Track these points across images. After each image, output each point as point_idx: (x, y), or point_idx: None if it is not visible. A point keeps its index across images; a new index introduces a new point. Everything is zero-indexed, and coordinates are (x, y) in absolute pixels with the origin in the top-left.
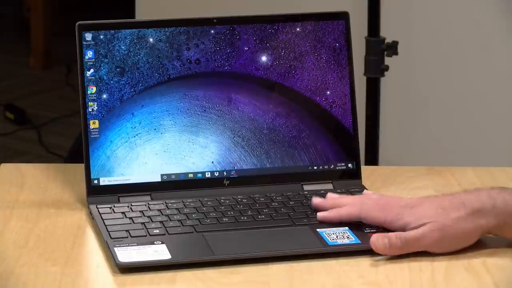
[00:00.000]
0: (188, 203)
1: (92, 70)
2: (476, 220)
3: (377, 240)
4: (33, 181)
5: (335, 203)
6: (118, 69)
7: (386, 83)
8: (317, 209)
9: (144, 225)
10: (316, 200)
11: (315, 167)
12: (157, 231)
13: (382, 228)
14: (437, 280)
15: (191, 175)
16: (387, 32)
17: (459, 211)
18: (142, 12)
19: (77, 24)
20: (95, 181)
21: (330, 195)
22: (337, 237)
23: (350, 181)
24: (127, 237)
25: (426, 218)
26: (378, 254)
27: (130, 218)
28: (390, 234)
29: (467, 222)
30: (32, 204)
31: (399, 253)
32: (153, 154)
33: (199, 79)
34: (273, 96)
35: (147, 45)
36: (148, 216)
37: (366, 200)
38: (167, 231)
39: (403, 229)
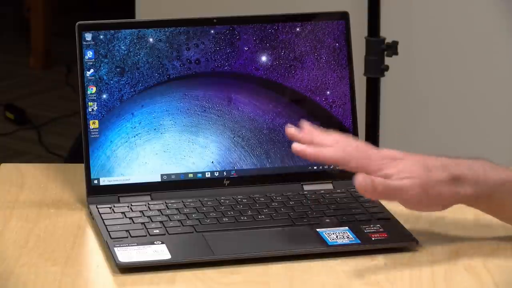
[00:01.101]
0: (188, 203)
1: (92, 70)
2: (455, 186)
3: (363, 179)
4: (33, 181)
5: (314, 140)
6: (118, 69)
7: (386, 83)
8: (291, 139)
9: (144, 225)
10: (291, 130)
11: (315, 167)
12: (157, 231)
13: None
14: (437, 280)
15: (191, 175)
16: (387, 32)
17: (441, 174)
18: (142, 12)
19: (77, 24)
20: (95, 181)
21: (307, 127)
22: (337, 237)
23: (350, 181)
24: (127, 237)
25: (409, 172)
26: (378, 254)
27: (130, 218)
28: (375, 177)
29: (446, 185)
30: (32, 204)
31: (378, 198)
32: (153, 154)
33: (199, 79)
34: (273, 96)
35: (147, 45)
36: (148, 216)
37: (348, 147)
38: (167, 231)
39: (383, 177)
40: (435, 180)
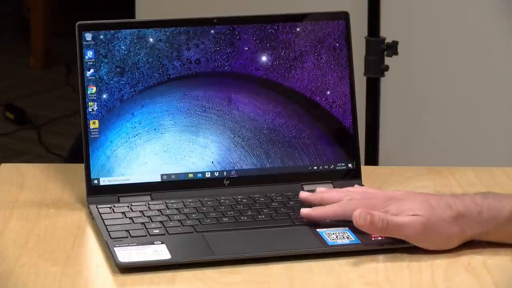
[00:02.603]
0: (188, 203)
1: (92, 70)
2: (460, 224)
3: (360, 215)
4: (33, 181)
5: (323, 199)
6: (118, 69)
7: (386, 83)
8: (304, 203)
9: (144, 225)
10: (303, 195)
11: (315, 167)
12: (157, 231)
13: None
14: (437, 280)
15: (191, 175)
16: (387, 32)
17: (445, 212)
18: (142, 12)
19: (77, 24)
20: (95, 181)
21: (319, 189)
22: (337, 237)
23: (350, 181)
24: (127, 237)
25: (412, 210)
26: (378, 254)
27: (130, 218)
28: (375, 212)
29: (451, 224)
30: (32, 204)
31: (378, 233)
32: (153, 154)
33: (199, 79)
34: (273, 96)
35: (147, 45)
36: (148, 216)
37: (352, 197)
38: (167, 231)
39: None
40: (439, 217)
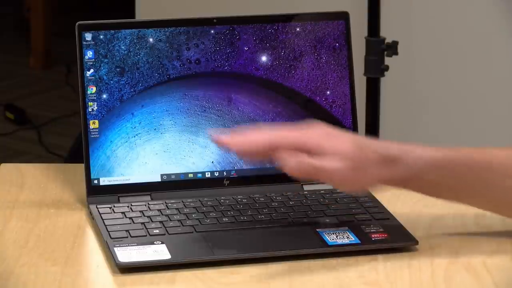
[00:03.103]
0: (188, 203)
1: (92, 70)
2: (385, 167)
3: (288, 158)
4: (33, 181)
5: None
6: (118, 69)
7: (386, 83)
8: (221, 146)
9: (144, 225)
10: (215, 136)
11: None
12: (157, 231)
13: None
14: (437, 280)
15: (191, 175)
16: (387, 32)
17: (372, 155)
18: (142, 12)
19: (77, 24)
20: (95, 181)
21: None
22: (337, 237)
23: None
24: (127, 237)
25: (342, 152)
26: (378, 254)
27: (130, 218)
28: (302, 156)
29: (376, 167)
30: (32, 204)
31: (304, 178)
32: (153, 154)
33: (199, 79)
34: (273, 96)
35: (147, 45)
36: (148, 216)
37: (278, 131)
38: (167, 231)
39: (316, 154)
40: (365, 161)
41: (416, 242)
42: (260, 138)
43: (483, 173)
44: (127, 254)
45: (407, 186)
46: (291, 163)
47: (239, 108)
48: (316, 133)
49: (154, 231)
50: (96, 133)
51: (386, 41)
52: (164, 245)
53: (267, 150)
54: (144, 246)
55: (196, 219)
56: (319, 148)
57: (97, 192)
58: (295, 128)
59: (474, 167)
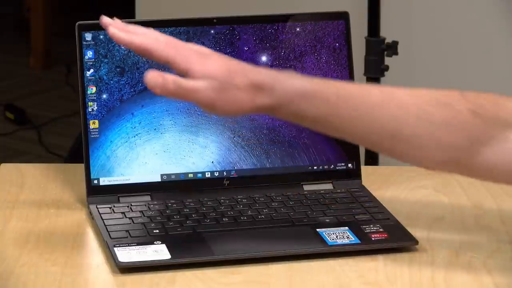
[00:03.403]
0: (188, 203)
1: (92, 70)
2: (254, 93)
3: (152, 76)
4: (33, 181)
5: (128, 29)
6: (118, 69)
7: (386, 83)
8: (105, 27)
9: (144, 225)
10: (104, 19)
11: (315, 167)
12: (157, 231)
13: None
14: (437, 280)
15: (191, 175)
16: (387, 32)
17: (242, 79)
18: (142, 12)
19: (77, 24)
20: (95, 181)
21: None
22: (337, 237)
23: (350, 181)
24: (127, 237)
25: (210, 73)
26: (378, 254)
27: (130, 218)
28: (168, 75)
29: (244, 92)
30: (32, 204)
31: (170, 96)
32: (153, 154)
33: None
34: None
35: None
36: (148, 216)
37: (160, 36)
38: (167, 231)
39: (185, 73)
40: (234, 85)
41: (416, 242)
42: (142, 36)
43: (352, 102)
44: (127, 254)
45: (277, 113)
46: (153, 76)
47: None
48: (188, 49)
49: (154, 231)
50: (96, 133)
51: (386, 41)
52: (164, 245)
53: (142, 49)
54: (144, 246)
55: (196, 219)
56: (187, 65)
57: (97, 192)
58: (176, 41)
59: (343, 97)
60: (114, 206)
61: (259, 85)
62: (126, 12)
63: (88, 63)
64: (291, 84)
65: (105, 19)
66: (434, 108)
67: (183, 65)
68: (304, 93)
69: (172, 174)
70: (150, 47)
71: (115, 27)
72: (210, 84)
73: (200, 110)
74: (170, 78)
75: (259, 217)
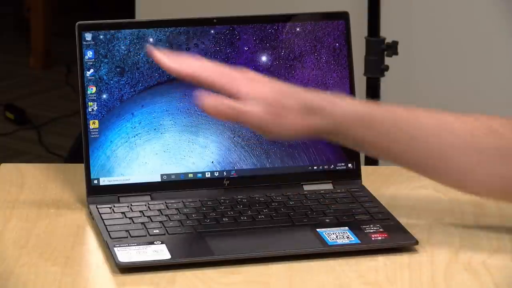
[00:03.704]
0: (188, 203)
1: (92, 70)
2: (307, 116)
3: (206, 99)
4: (33, 181)
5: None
6: (118, 69)
7: (386, 83)
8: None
9: (144, 225)
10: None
11: (315, 167)
12: (157, 231)
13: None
14: (437, 280)
15: (191, 175)
16: (387, 32)
17: (294, 102)
18: (142, 12)
19: (77, 24)
20: (95, 181)
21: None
22: (337, 237)
23: (350, 181)
24: (127, 237)
25: (261, 96)
26: (378, 254)
27: (130, 218)
28: (222, 98)
29: (297, 115)
30: (32, 204)
31: (223, 118)
32: (153, 154)
33: None
34: None
35: (147, 45)
36: (148, 216)
37: (205, 62)
38: (167, 231)
39: (235, 97)
40: (286, 108)
41: (416, 242)
42: (188, 63)
43: (406, 129)
44: (127, 254)
45: (330, 137)
46: (210, 101)
47: None
48: (238, 75)
49: (154, 231)
50: (96, 133)
51: (386, 41)
52: (164, 245)
53: (190, 76)
54: (144, 246)
55: (196, 219)
56: (238, 90)
57: (97, 192)
58: (223, 67)
59: (398, 123)
60: (114, 206)
61: (311, 107)
62: (126, 12)
63: (88, 63)
64: (346, 106)
65: (150, 47)
66: (486, 136)
67: (232, 88)
68: (362, 118)
69: (172, 174)
70: (198, 73)
71: (162, 54)
72: (263, 106)
73: (200, 110)
74: (224, 101)
75: (259, 217)
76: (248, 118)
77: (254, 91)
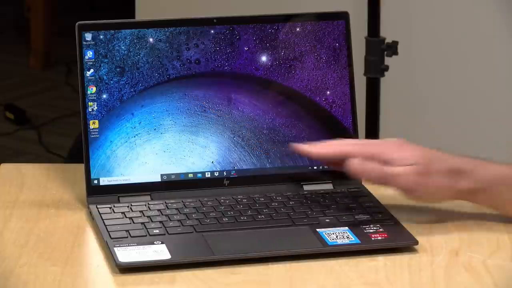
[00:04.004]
0: (188, 203)
1: (92, 70)
2: (454, 178)
3: (355, 162)
4: (33, 181)
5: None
6: (118, 69)
7: (386, 83)
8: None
9: (144, 225)
10: (298, 146)
11: (315, 167)
12: (157, 231)
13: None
14: (437, 280)
15: (191, 175)
16: (387, 32)
17: (441, 165)
18: (142, 12)
19: (77, 24)
20: (95, 181)
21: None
22: (337, 237)
23: (350, 181)
24: (127, 237)
25: (411, 159)
26: (378, 254)
27: (130, 218)
28: (370, 163)
29: (445, 177)
30: (32, 204)
31: (371, 182)
32: (153, 154)
33: (199, 79)
34: (273, 96)
35: (147, 45)
36: (148, 216)
37: (351, 140)
38: (167, 231)
39: (387, 163)
40: (434, 170)
41: (416, 242)
42: (338, 146)
43: None
44: (127, 254)
45: (476, 199)
46: (357, 164)
47: (239, 108)
48: (390, 144)
49: (154, 231)
50: (96, 133)
51: (386, 41)
52: (164, 245)
53: (343, 157)
54: (144, 246)
55: (196, 219)
56: (389, 155)
57: (97, 192)
58: (369, 142)
59: None
60: (114, 206)
61: (458, 170)
62: (126, 12)
63: (88, 63)
64: (491, 169)
65: (296, 147)
66: None
67: (385, 155)
68: (504, 178)
69: (172, 174)
70: (350, 150)
71: (306, 146)
72: (411, 169)
73: (200, 110)
74: (374, 166)
75: (259, 217)
76: (398, 180)
77: (404, 154)
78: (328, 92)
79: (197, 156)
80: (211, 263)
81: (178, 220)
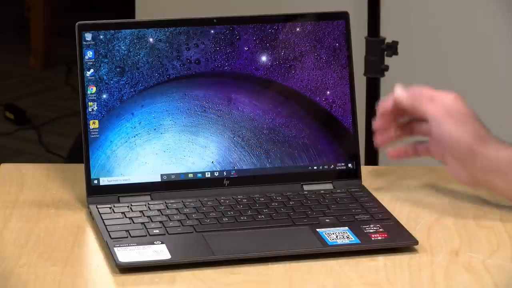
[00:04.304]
0: (188, 203)
1: (92, 70)
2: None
3: (393, 151)
4: (33, 181)
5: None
6: (118, 69)
7: (386, 83)
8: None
9: (144, 225)
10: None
11: (315, 167)
12: (157, 231)
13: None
14: (437, 280)
15: (191, 175)
16: (387, 32)
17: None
18: (142, 12)
19: (77, 24)
20: (95, 181)
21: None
22: (337, 237)
23: (350, 181)
24: (127, 237)
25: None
26: (378, 254)
27: (130, 218)
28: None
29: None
30: (32, 204)
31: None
32: (153, 154)
33: (199, 79)
34: (273, 96)
35: (147, 45)
36: (148, 216)
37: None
38: (167, 231)
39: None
40: (477, 167)
41: (416, 242)
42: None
43: None
44: (127, 254)
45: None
46: (397, 152)
47: (239, 108)
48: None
49: (154, 231)
50: (96, 133)
51: (386, 41)
52: (164, 245)
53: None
54: (144, 246)
55: (196, 219)
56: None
57: (97, 192)
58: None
59: None
60: (114, 206)
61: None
62: (126, 12)
63: (88, 63)
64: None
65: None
66: None
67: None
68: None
69: (172, 174)
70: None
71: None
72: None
73: (200, 110)
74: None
75: (259, 217)
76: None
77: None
78: (328, 92)
79: (197, 156)
80: (211, 263)
81: (178, 220)
